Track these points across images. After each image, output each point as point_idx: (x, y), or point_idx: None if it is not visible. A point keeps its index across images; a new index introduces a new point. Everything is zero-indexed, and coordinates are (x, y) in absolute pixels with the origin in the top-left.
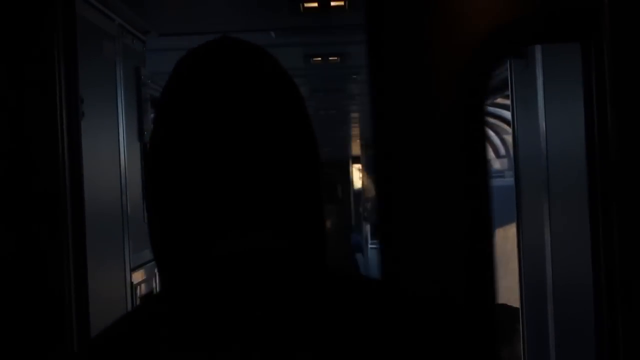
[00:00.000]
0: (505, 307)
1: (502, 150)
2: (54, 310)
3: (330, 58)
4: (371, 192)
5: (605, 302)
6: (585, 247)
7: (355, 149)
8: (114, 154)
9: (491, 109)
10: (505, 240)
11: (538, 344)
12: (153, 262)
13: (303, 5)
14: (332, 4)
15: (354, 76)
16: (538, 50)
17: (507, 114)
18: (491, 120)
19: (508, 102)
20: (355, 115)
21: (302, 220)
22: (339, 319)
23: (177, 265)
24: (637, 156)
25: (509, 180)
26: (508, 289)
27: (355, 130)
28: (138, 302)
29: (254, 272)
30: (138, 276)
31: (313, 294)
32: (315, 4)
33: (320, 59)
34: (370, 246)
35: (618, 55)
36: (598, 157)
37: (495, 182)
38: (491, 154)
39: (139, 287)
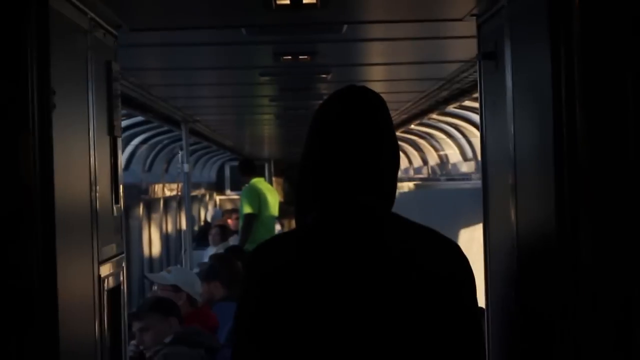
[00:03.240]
0: None
1: (470, 153)
2: (21, 304)
3: (301, 57)
4: None
5: (570, 311)
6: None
7: None
8: (83, 147)
9: (459, 111)
10: (471, 242)
11: (502, 345)
12: (120, 256)
13: (275, 2)
14: (304, 1)
15: (324, 75)
16: (508, 52)
17: (475, 117)
18: (459, 122)
19: (475, 104)
20: None
21: (388, 191)
22: (409, 239)
23: (324, 207)
24: (605, 160)
25: (476, 182)
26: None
27: None
28: (106, 295)
29: (366, 214)
30: (106, 269)
31: (392, 227)
32: (287, 1)
33: (290, 57)
34: None
35: (587, 56)
36: (566, 161)
37: (462, 185)
38: (458, 156)
39: (106, 280)
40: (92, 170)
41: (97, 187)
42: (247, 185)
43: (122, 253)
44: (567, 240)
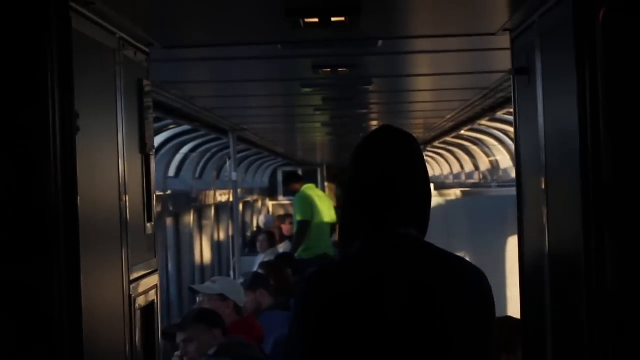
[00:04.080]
0: (509, 319)
1: None
2: (45, 327)
3: (340, 69)
4: None
5: (597, 321)
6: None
7: None
8: (112, 166)
9: (508, 117)
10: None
11: (536, 356)
12: (154, 274)
13: (304, 20)
14: (333, 19)
15: (365, 86)
16: (539, 65)
17: None
18: (509, 128)
19: None
20: (373, 123)
21: (423, 222)
22: (441, 270)
23: (365, 237)
24: (629, 174)
25: None
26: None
27: None
28: (138, 314)
29: (406, 244)
30: (137, 288)
31: (429, 255)
32: (316, 19)
33: (329, 70)
34: None
35: (611, 69)
36: (591, 174)
37: (512, 192)
38: (509, 162)
39: (138, 298)
40: (122, 189)
41: (128, 206)
42: (299, 192)
43: (156, 270)
44: (593, 251)
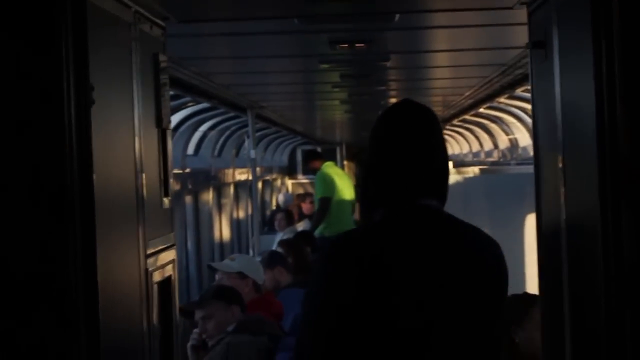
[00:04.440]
0: (525, 295)
1: None
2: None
3: (357, 45)
4: None
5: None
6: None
7: None
8: (128, 140)
9: (527, 95)
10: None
11: (554, 330)
12: (171, 249)
13: None
14: None
15: (383, 62)
16: (556, 40)
17: None
18: (528, 106)
19: None
20: (391, 100)
21: (442, 194)
22: (462, 236)
23: (391, 207)
24: None
25: None
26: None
27: None
28: (154, 288)
29: (427, 214)
30: (153, 262)
31: (448, 224)
32: None
33: (346, 45)
34: None
35: (628, 45)
36: (607, 149)
37: (531, 169)
38: (528, 139)
39: (154, 273)
40: (138, 163)
41: (144, 180)
42: (319, 170)
43: (174, 245)
44: (610, 226)
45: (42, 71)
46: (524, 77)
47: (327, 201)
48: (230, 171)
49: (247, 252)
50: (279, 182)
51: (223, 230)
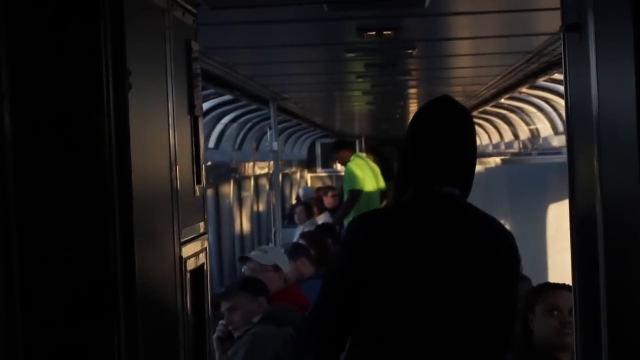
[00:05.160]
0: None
1: (561, 127)
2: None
3: (385, 32)
4: None
5: None
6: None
7: None
8: (162, 127)
9: (549, 84)
10: (561, 216)
11: (589, 323)
12: (203, 237)
13: None
14: None
15: (409, 50)
16: (591, 23)
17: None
18: (549, 95)
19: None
20: (412, 91)
21: (466, 185)
22: (476, 224)
23: (416, 190)
24: None
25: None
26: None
27: (413, 107)
28: (188, 276)
29: (448, 201)
30: (188, 250)
31: (467, 210)
32: None
33: (374, 32)
34: None
35: None
36: None
37: (553, 159)
38: (549, 130)
39: (188, 261)
40: (172, 150)
41: (178, 168)
42: (349, 161)
43: (206, 233)
44: None
45: (81, 55)
46: (549, 65)
47: (358, 193)
48: (250, 164)
49: (268, 245)
50: (298, 175)
51: (243, 223)
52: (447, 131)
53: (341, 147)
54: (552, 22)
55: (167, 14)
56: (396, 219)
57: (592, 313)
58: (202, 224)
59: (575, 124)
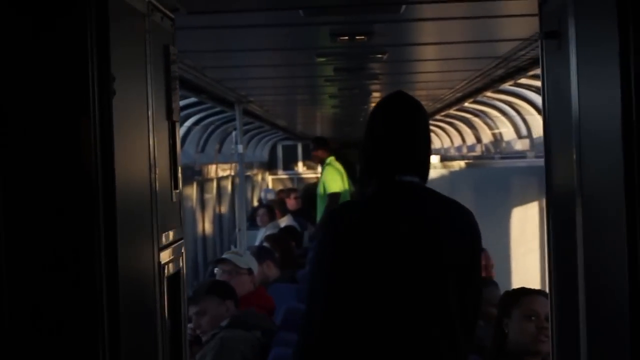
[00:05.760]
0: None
1: (524, 131)
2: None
3: (357, 37)
4: None
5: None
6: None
7: None
8: (143, 132)
9: (514, 89)
10: (525, 220)
11: (566, 329)
12: (180, 242)
13: None
14: None
15: (379, 55)
16: (572, 30)
17: (530, 95)
18: (514, 100)
19: (531, 82)
20: (376, 95)
21: (424, 172)
22: (438, 206)
23: (380, 181)
24: None
25: (531, 160)
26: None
27: None
28: (166, 282)
29: (410, 189)
30: (166, 255)
31: (428, 197)
32: None
33: (347, 37)
34: None
35: None
36: (635, 140)
37: (517, 163)
38: (513, 134)
39: (167, 266)
40: (152, 155)
41: (157, 172)
42: (328, 164)
43: (182, 239)
44: (638, 222)
45: (66, 61)
46: (517, 70)
47: (338, 197)
48: (213, 167)
49: (229, 248)
50: (259, 177)
51: (206, 225)
52: (403, 124)
53: (320, 146)
54: (521, 28)
55: (147, 19)
56: (368, 210)
57: (570, 318)
58: (179, 229)
59: (553, 129)
